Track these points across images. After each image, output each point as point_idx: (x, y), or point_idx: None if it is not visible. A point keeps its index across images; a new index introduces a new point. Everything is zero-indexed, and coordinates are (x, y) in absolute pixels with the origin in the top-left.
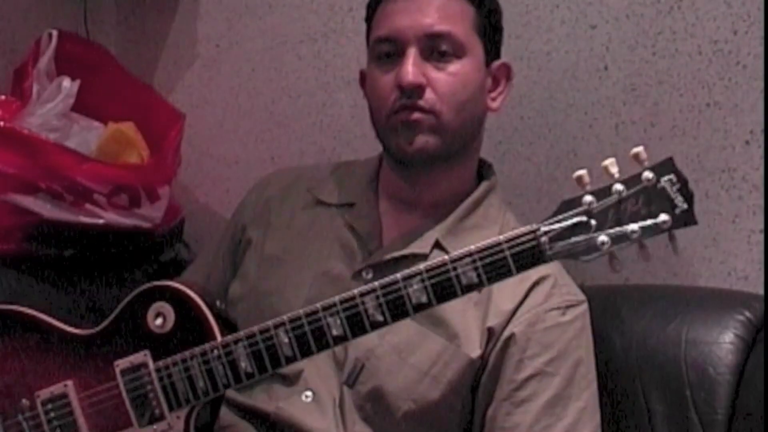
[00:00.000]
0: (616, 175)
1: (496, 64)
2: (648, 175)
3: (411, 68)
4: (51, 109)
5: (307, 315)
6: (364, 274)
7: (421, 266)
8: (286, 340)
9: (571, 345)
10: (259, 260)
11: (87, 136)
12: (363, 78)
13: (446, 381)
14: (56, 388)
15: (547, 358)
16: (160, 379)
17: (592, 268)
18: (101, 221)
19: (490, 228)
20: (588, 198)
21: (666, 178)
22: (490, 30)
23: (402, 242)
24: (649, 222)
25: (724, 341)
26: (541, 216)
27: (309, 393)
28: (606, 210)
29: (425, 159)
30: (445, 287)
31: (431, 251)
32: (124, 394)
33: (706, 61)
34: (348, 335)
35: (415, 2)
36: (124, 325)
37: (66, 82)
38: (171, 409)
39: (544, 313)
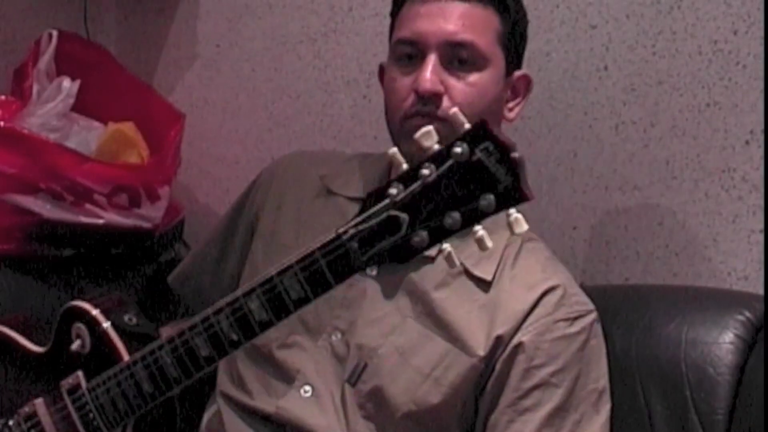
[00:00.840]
0: (431, 150)
1: (516, 74)
2: (457, 148)
3: (430, 75)
4: (51, 109)
5: (216, 312)
6: (368, 270)
7: (256, 280)
8: (203, 342)
9: (575, 357)
10: (266, 246)
11: (87, 136)
12: (382, 72)
13: (448, 384)
14: (29, 407)
15: (553, 369)
16: (93, 399)
17: (591, 267)
18: (101, 221)
19: (498, 233)
20: (392, 189)
21: (481, 147)
22: (514, 40)
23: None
24: (468, 208)
25: (724, 341)
26: (540, 216)
27: (308, 388)
28: (416, 198)
29: None
30: (278, 303)
31: (438, 253)
32: (73, 414)
33: (706, 61)
34: (214, 356)
35: (441, 8)
36: (59, 346)
37: (66, 82)
38: (109, 427)
39: (553, 323)
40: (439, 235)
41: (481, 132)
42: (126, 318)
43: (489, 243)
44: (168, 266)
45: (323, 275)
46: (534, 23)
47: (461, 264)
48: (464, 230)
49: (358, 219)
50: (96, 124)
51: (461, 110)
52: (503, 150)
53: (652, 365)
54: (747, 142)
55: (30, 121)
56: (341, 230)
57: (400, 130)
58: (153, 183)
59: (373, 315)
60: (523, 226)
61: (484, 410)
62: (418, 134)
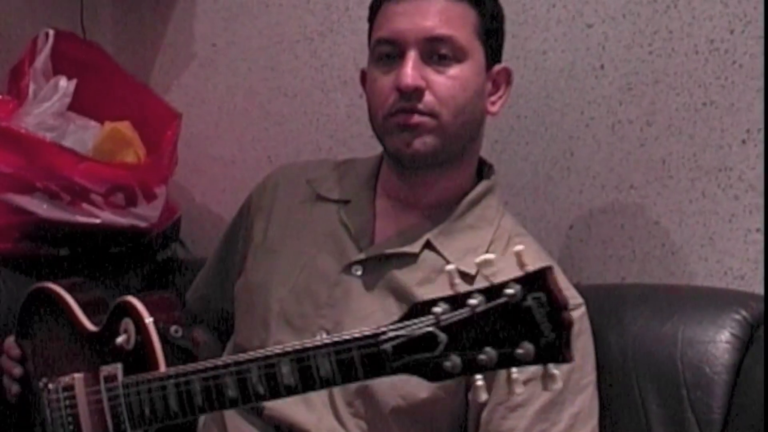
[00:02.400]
0: (492, 278)
1: (496, 68)
2: (510, 290)
3: (410, 71)
4: (47, 109)
5: (262, 359)
6: (353, 269)
7: (293, 345)
8: (231, 383)
9: None
10: (256, 253)
11: (83, 136)
12: (364, 77)
13: None
14: (67, 379)
15: None
16: (126, 395)
17: (588, 267)
18: (98, 221)
19: (485, 229)
20: (437, 308)
21: (534, 296)
22: (492, 34)
23: (394, 241)
24: (505, 351)
25: (721, 340)
26: (537, 216)
27: None
28: (459, 324)
29: (423, 160)
30: (307, 375)
31: (421, 251)
32: (104, 401)
33: (702, 60)
34: (239, 401)
35: (417, 5)
36: (107, 334)
37: (62, 81)
38: (133, 427)
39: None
40: (472, 367)
41: (539, 281)
42: (173, 330)
43: (519, 389)
44: (164, 265)
45: (352, 365)
46: (530, 22)
47: (445, 259)
48: (487, 367)
49: (400, 324)
50: (92, 123)
51: (444, 103)
52: (555, 306)
53: (648, 364)
54: (743, 142)
55: (26, 121)
56: (382, 329)
57: (384, 127)
58: (149, 182)
59: (359, 314)
60: (557, 384)
61: (475, 406)
62: (478, 260)
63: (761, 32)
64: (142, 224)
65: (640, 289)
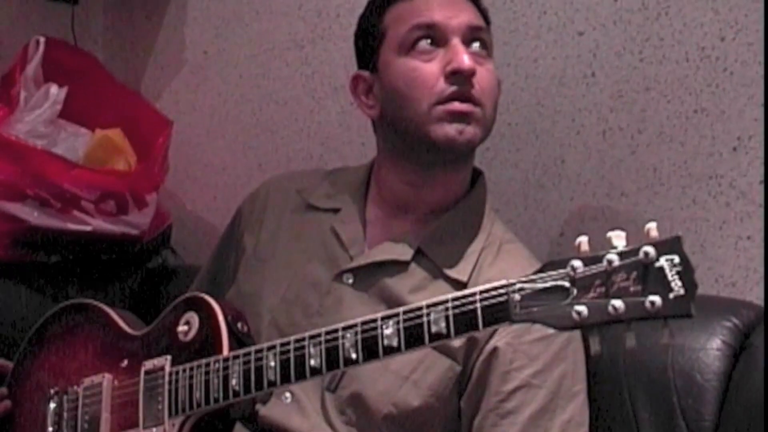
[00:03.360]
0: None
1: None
2: (647, 249)
3: (467, 54)
4: (38, 116)
5: (295, 341)
6: (344, 278)
7: (400, 308)
8: (272, 364)
9: (557, 357)
10: (247, 263)
11: (74, 143)
12: (356, 82)
13: (426, 386)
14: (96, 378)
15: (534, 370)
16: (170, 383)
17: None
18: (89, 228)
19: (476, 236)
20: (575, 262)
21: (667, 257)
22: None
23: (385, 248)
24: (635, 300)
25: (712, 348)
26: (528, 223)
27: (288, 394)
28: (591, 278)
29: (467, 152)
30: (413, 333)
31: (413, 258)
32: (140, 393)
33: (693, 67)
34: (323, 368)
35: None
36: (160, 330)
37: (53, 88)
38: (170, 415)
39: (531, 324)
40: (599, 315)
41: (673, 246)
42: (239, 324)
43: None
44: (155, 273)
45: (474, 317)
46: (521, 29)
47: (437, 266)
48: (620, 323)
49: (532, 276)
50: (83, 130)
51: (486, 94)
52: (687, 266)
53: (639, 372)
54: (734, 149)
55: (17, 128)
56: (512, 281)
57: (429, 117)
58: (140, 190)
59: (350, 322)
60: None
61: (467, 414)
62: (611, 234)
63: (752, 39)
64: (133, 231)
65: None
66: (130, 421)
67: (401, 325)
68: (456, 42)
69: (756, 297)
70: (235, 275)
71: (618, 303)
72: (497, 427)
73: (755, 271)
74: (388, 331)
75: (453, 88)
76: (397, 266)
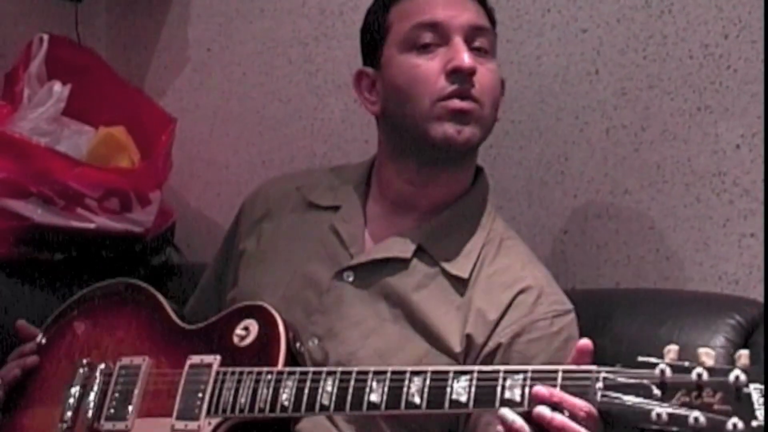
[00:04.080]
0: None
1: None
2: (739, 374)
3: (467, 52)
4: (42, 114)
5: (358, 372)
6: (345, 276)
7: (476, 367)
8: (329, 389)
9: (555, 357)
10: (247, 264)
11: (78, 141)
12: (360, 78)
13: None
14: (135, 359)
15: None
16: (215, 382)
17: (582, 272)
18: (92, 225)
19: (477, 232)
20: (665, 367)
21: (756, 386)
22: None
23: (386, 246)
24: (718, 418)
25: (715, 345)
26: (531, 220)
27: None
28: (678, 386)
29: (466, 151)
30: (485, 394)
31: (413, 256)
32: (181, 385)
33: (696, 65)
34: (382, 406)
35: None
36: (213, 330)
37: (57, 86)
38: (208, 413)
39: (531, 324)
40: (679, 424)
41: (762, 376)
42: (297, 344)
43: None
44: (159, 270)
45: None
46: (525, 27)
47: (437, 263)
48: (691, 426)
49: (619, 369)
50: (87, 128)
51: (486, 93)
52: None
53: None
54: (738, 146)
55: (21, 125)
56: (598, 368)
57: (431, 114)
58: (144, 187)
59: (351, 319)
60: None
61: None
62: (702, 350)
63: (756, 37)
64: (137, 229)
65: (634, 294)
66: (162, 410)
67: (474, 383)
68: (458, 40)
69: (759, 294)
70: (237, 274)
71: (700, 417)
72: (491, 426)
73: (759, 268)
74: (458, 386)
75: (453, 86)
76: (397, 264)
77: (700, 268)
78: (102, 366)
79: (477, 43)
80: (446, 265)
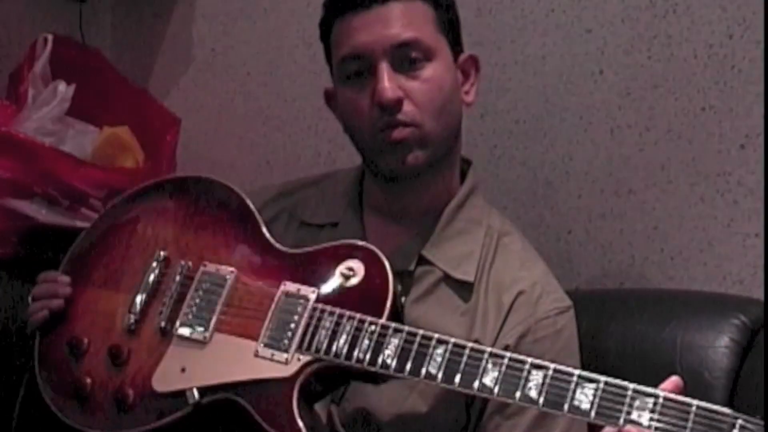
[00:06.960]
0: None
1: (462, 57)
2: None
3: (387, 84)
4: (46, 114)
5: (472, 350)
6: None
7: (602, 378)
8: (439, 359)
9: (559, 356)
10: None
11: (82, 141)
12: (329, 97)
13: (434, 394)
14: (221, 269)
15: None
16: (310, 317)
17: (587, 271)
18: None
19: (475, 231)
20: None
21: (742, 421)
22: (451, 25)
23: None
24: None
25: (720, 345)
26: (536, 220)
27: None
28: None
29: (416, 174)
30: (610, 408)
31: (416, 267)
32: (271, 310)
33: (701, 65)
34: (495, 391)
35: (376, 14)
36: (313, 260)
37: (61, 86)
38: (298, 348)
39: (535, 323)
40: None
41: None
42: (402, 299)
43: None
44: None
45: (684, 428)
46: (529, 27)
47: (440, 269)
48: None
49: (760, 421)
50: (91, 128)
51: (424, 110)
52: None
53: (647, 370)
54: (742, 146)
55: (25, 126)
56: (736, 414)
57: (373, 146)
58: None
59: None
60: None
61: (474, 417)
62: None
63: (760, 37)
64: None
65: (638, 294)
66: (246, 331)
67: (599, 393)
68: (381, 68)
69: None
70: None
71: None
72: (500, 429)
73: (763, 268)
74: (581, 393)
75: (384, 118)
76: (401, 277)
77: (704, 268)
78: (183, 263)
79: (410, 57)
80: (450, 271)
